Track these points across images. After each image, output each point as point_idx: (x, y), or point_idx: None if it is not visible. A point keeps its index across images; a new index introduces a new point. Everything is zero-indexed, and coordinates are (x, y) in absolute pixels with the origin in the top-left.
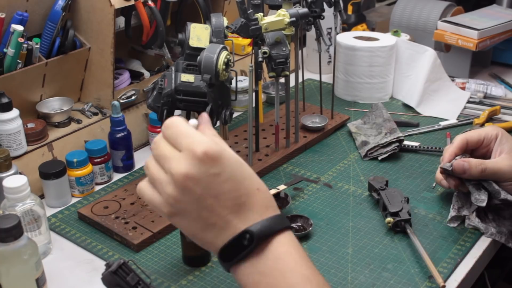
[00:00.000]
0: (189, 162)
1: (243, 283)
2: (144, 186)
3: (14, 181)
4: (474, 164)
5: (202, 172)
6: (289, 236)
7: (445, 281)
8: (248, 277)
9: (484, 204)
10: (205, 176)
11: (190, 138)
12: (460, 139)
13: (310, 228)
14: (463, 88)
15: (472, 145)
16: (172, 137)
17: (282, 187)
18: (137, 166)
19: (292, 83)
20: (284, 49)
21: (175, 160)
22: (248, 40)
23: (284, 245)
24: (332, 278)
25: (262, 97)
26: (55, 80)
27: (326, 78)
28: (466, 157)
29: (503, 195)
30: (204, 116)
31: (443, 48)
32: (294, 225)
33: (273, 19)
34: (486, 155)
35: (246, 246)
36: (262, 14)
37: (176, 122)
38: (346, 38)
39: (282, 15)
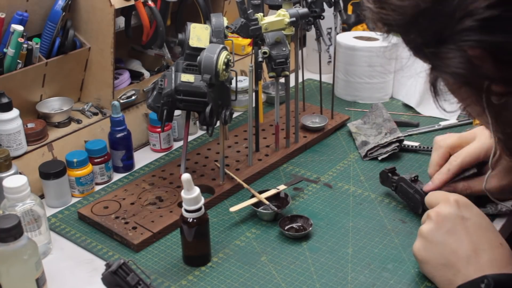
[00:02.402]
0: (442, 205)
1: None
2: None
3: (14, 181)
4: (459, 189)
5: (452, 211)
6: None
7: None
8: None
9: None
10: (454, 216)
11: (443, 193)
12: (458, 167)
13: (310, 228)
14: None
15: (453, 148)
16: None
17: (282, 187)
18: (137, 166)
19: (292, 83)
20: (284, 49)
21: (435, 208)
22: (248, 40)
23: None
24: (332, 278)
25: (262, 97)
26: (55, 80)
27: (326, 78)
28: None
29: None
30: None
31: None
32: (294, 225)
33: (273, 19)
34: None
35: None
36: (262, 14)
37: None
38: (346, 38)
39: (282, 15)
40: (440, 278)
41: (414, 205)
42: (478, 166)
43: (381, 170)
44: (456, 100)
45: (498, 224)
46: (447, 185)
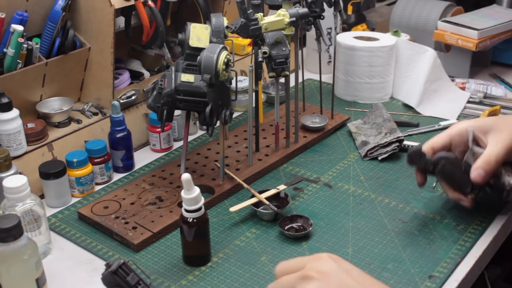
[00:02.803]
0: (319, 262)
1: None
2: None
3: (14, 181)
4: (484, 163)
5: (334, 266)
6: None
7: (445, 281)
8: None
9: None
10: (338, 270)
11: (306, 257)
12: (427, 149)
13: (310, 228)
14: (463, 88)
15: (440, 150)
16: (289, 266)
17: (282, 187)
18: (137, 166)
19: (292, 83)
20: (284, 49)
21: (308, 265)
22: (248, 40)
23: None
24: None
25: (262, 97)
26: (55, 80)
27: (326, 78)
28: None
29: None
30: None
31: (443, 48)
32: (294, 225)
33: (273, 19)
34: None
35: None
36: (262, 14)
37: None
38: (346, 38)
39: (282, 15)
40: None
41: (461, 185)
42: None
43: (412, 150)
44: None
45: (498, 224)
46: (474, 168)
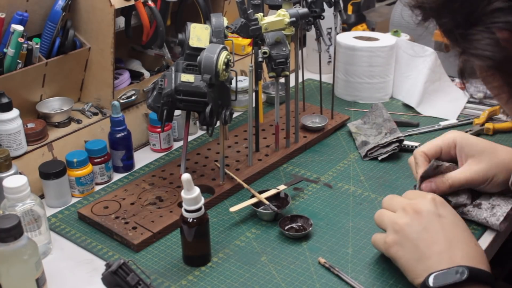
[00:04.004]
0: (420, 201)
1: None
2: (378, 215)
3: (14, 181)
4: (440, 181)
5: (430, 208)
6: None
7: None
8: None
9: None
10: (432, 213)
11: (415, 194)
12: (419, 155)
13: (310, 228)
14: (463, 88)
15: (433, 157)
16: (398, 198)
17: (282, 187)
18: (137, 166)
19: (292, 83)
20: (284, 49)
21: (410, 201)
22: (248, 40)
23: None
24: (332, 278)
25: (262, 97)
26: (55, 80)
27: (326, 78)
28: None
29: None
30: None
31: (443, 48)
32: (294, 225)
33: (273, 19)
34: (455, 160)
35: (457, 277)
36: (262, 14)
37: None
38: (346, 38)
39: (282, 15)
40: (411, 273)
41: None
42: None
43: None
44: (485, 87)
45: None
46: (428, 180)
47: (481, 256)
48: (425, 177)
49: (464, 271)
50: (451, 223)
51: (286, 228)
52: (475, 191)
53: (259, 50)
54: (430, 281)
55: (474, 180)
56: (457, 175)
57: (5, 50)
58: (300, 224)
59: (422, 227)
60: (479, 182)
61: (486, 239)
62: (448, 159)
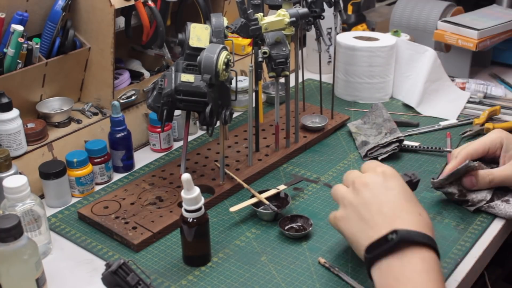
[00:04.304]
0: (369, 174)
1: (378, 284)
2: (333, 190)
3: (14, 181)
4: (481, 176)
5: (377, 181)
6: (433, 257)
7: (445, 281)
8: (383, 278)
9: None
10: (379, 186)
11: (374, 163)
12: (464, 155)
13: (310, 228)
14: (463, 88)
15: (479, 157)
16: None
17: (282, 187)
18: (137, 166)
19: (292, 83)
20: (284, 49)
21: (360, 175)
22: (248, 40)
23: (425, 262)
24: (332, 278)
25: (262, 97)
26: (55, 80)
27: (326, 78)
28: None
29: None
30: None
31: (443, 48)
32: (294, 225)
33: (273, 19)
34: (494, 160)
35: (389, 241)
36: (262, 14)
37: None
38: (346, 38)
39: (282, 15)
40: (355, 244)
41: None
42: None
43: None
44: None
45: (498, 224)
46: (469, 174)
47: (423, 224)
48: (455, 174)
49: (396, 235)
50: (397, 194)
51: (286, 228)
52: (502, 188)
53: (259, 50)
54: (367, 250)
55: None
56: (498, 172)
57: (5, 50)
58: (300, 224)
59: (366, 200)
60: None
61: (486, 239)
62: (491, 158)
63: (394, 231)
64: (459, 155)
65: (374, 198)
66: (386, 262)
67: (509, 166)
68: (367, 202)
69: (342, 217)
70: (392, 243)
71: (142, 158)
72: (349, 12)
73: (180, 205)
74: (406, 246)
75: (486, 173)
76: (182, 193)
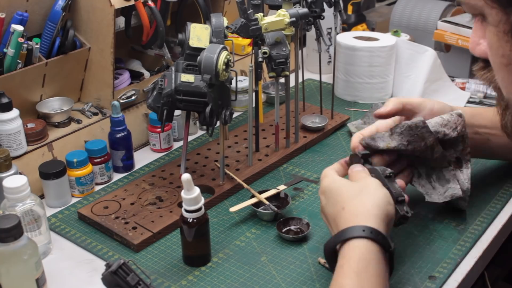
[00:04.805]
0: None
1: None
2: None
3: (14, 181)
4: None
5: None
6: (366, 245)
7: (445, 281)
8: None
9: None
10: (324, 196)
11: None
12: (395, 100)
13: (310, 229)
14: (463, 88)
15: (407, 113)
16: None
17: (282, 187)
18: (137, 166)
19: (292, 83)
20: (284, 49)
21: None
22: (248, 40)
23: (357, 250)
24: None
25: (262, 97)
26: (55, 80)
27: (326, 78)
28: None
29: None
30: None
31: (443, 48)
32: (292, 227)
33: (273, 19)
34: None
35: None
36: (262, 14)
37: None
38: (346, 38)
39: (282, 15)
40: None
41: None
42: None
43: (352, 153)
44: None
45: (498, 224)
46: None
47: (366, 213)
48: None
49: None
50: (352, 191)
51: (283, 230)
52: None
53: (259, 50)
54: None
55: (417, 103)
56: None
57: (5, 50)
58: (298, 227)
59: (325, 203)
60: (422, 108)
61: (486, 239)
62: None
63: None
64: (391, 100)
65: (330, 200)
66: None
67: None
68: (325, 206)
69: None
70: (333, 240)
71: (142, 158)
72: (349, 12)
73: (180, 205)
74: (346, 241)
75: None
76: (182, 193)
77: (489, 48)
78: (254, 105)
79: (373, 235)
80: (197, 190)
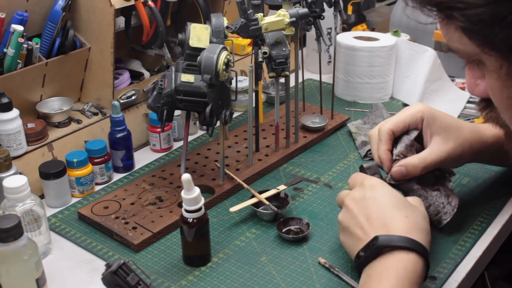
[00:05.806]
0: (355, 190)
1: (360, 285)
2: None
3: (14, 181)
4: (411, 167)
5: (362, 195)
6: (411, 258)
7: (445, 281)
8: (362, 278)
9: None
10: (364, 199)
11: (359, 176)
12: (385, 133)
13: (310, 229)
14: (463, 88)
15: (399, 133)
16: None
17: (282, 187)
18: (137, 166)
19: (292, 83)
20: (284, 49)
21: (347, 193)
22: (248, 40)
23: (399, 261)
24: (332, 278)
25: (262, 97)
26: (55, 80)
27: (326, 78)
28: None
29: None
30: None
31: (443, 48)
32: (292, 227)
33: (273, 19)
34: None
35: (370, 247)
36: (262, 14)
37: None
38: (346, 38)
39: (282, 15)
40: (352, 257)
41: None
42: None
43: (367, 166)
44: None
45: (498, 224)
46: (399, 164)
47: (410, 225)
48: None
49: (375, 241)
50: (383, 202)
51: (284, 230)
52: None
53: (259, 50)
54: (355, 259)
55: (443, 161)
56: (428, 158)
57: (5, 50)
58: (298, 227)
59: (354, 215)
60: (448, 163)
61: (486, 239)
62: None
63: (375, 238)
64: (381, 132)
65: (361, 212)
66: (369, 266)
67: (436, 148)
68: (355, 217)
69: (340, 235)
70: (373, 249)
71: (142, 158)
72: (349, 12)
73: (180, 205)
74: (387, 251)
75: (418, 161)
76: (182, 193)
77: (491, 91)
78: (254, 105)
79: (414, 245)
80: (197, 190)
